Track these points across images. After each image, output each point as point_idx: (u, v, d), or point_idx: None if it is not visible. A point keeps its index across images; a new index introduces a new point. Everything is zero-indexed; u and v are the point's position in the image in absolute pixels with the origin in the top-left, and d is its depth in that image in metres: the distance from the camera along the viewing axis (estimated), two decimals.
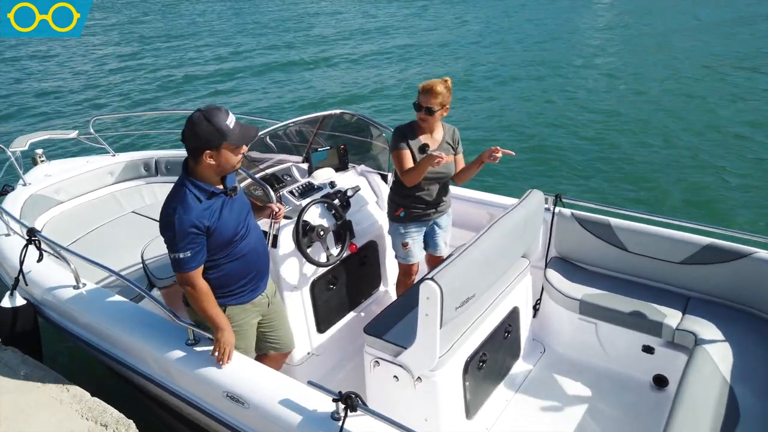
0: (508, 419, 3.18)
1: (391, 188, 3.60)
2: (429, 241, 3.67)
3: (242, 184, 3.64)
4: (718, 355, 2.92)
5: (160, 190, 5.08)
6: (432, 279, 2.45)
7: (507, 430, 3.12)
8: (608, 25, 17.53)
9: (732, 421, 2.55)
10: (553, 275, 3.65)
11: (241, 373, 2.59)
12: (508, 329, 3.31)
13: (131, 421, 2.93)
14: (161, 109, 11.23)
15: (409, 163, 3.34)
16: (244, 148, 2.48)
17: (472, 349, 2.96)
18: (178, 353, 2.72)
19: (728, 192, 6.97)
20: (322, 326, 3.54)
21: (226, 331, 2.58)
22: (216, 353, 2.61)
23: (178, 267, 2.45)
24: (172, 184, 2.51)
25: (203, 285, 2.52)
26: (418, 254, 3.63)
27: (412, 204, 3.48)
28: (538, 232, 3.39)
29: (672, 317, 3.22)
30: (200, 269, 2.50)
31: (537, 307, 3.74)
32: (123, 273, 3.41)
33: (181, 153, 5.33)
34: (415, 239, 3.57)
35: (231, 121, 2.38)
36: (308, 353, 3.47)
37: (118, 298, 3.17)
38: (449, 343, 2.77)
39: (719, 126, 9.03)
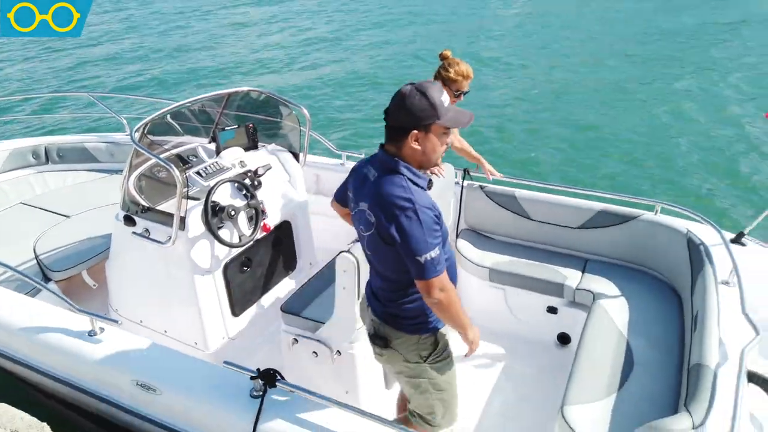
0: None
1: None
2: None
3: (145, 166, 3.46)
4: (614, 310, 3.17)
5: (53, 179, 4.70)
6: (348, 251, 2.46)
7: None
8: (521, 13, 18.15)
9: (627, 369, 2.79)
10: (464, 245, 3.78)
11: (150, 358, 2.49)
12: None
13: (44, 424, 2.74)
14: (51, 91, 10.38)
15: None
16: (451, 137, 2.15)
17: None
18: (81, 346, 2.58)
19: (618, 157, 7.52)
20: (237, 309, 3.46)
21: (471, 327, 2.21)
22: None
23: (432, 270, 1.95)
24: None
25: (452, 284, 2.08)
26: None
27: None
28: (449, 204, 3.49)
29: (572, 278, 3.45)
30: None
31: None
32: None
33: (77, 138, 4.96)
34: None
35: (446, 99, 2.04)
36: (223, 338, 3.39)
37: (11, 293, 2.95)
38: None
39: (615, 98, 9.62)
